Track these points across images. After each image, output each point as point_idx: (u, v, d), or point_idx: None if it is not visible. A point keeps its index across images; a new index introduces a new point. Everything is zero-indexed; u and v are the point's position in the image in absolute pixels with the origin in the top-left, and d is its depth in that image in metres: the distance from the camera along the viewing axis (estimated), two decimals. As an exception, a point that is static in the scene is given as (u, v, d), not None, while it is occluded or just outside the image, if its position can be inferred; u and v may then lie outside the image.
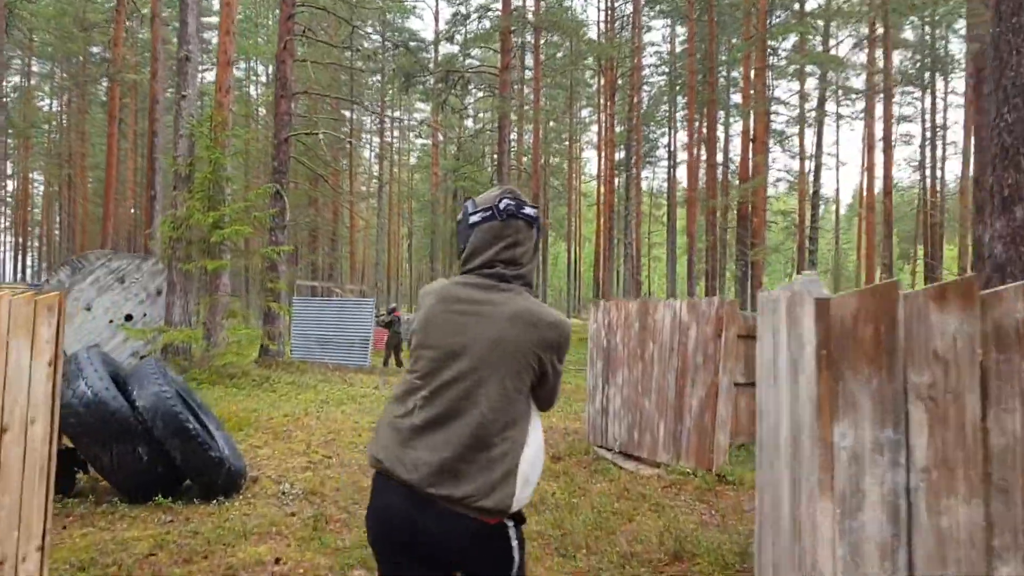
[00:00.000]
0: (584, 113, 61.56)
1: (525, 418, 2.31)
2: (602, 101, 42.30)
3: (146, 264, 16.05)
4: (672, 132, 53.95)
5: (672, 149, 54.38)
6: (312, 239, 40.87)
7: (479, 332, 2.29)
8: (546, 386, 2.40)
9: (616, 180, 36.76)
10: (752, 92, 24.46)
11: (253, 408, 11.16)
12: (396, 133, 63.80)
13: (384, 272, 69.36)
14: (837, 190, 50.40)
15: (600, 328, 9.45)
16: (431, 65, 33.24)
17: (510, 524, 2.28)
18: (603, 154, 42.00)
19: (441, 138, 53.13)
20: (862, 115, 40.65)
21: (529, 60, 34.33)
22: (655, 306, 8.51)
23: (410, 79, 32.29)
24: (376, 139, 52.14)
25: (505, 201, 2.38)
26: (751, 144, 26.58)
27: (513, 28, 24.66)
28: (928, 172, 38.85)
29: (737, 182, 34.37)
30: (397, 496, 2.28)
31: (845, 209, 77.61)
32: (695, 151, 29.90)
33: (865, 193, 31.35)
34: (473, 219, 2.40)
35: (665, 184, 61.90)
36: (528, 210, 2.42)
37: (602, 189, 41.46)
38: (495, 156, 40.92)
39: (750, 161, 26.29)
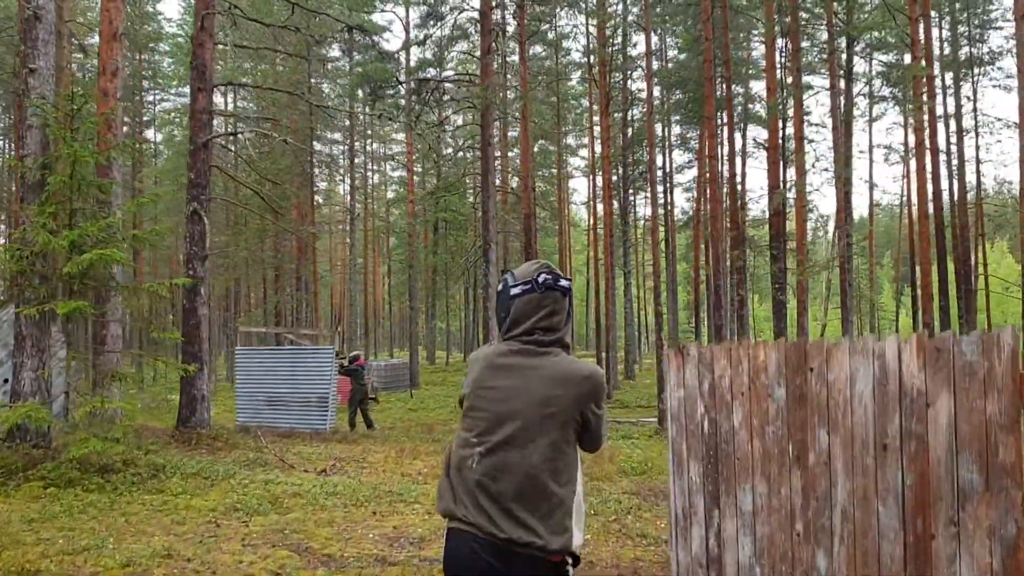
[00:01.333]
0: (570, 140, 57.70)
1: (574, 466, 2.68)
2: (595, 116, 38.23)
3: (3, 313, 11.57)
4: (667, 151, 50.06)
5: (668, 170, 50.45)
6: (276, 278, 36.33)
7: (525, 395, 2.64)
8: (590, 432, 2.74)
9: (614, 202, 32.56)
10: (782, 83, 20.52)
11: (71, 550, 6.58)
12: (369, 163, 59.65)
13: (361, 313, 64.82)
14: (871, 202, 45.59)
15: (695, 398, 5.05)
16: (401, 75, 28.94)
17: (569, 561, 2.63)
18: (597, 174, 37.85)
19: (418, 168, 48.94)
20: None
21: (514, 58, 30.19)
22: (829, 351, 4.07)
23: (378, 92, 28.06)
24: (344, 162, 47.77)
25: (543, 276, 2.74)
26: (777, 148, 22.46)
27: (495, 3, 20.47)
28: (952, 175, 34.68)
29: (741, 200, 30.27)
30: (473, 545, 2.57)
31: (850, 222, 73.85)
32: (708, 164, 25.63)
33: (915, 199, 27.03)
34: (514, 291, 2.75)
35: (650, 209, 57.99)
36: (563, 282, 2.79)
37: (599, 211, 37.14)
38: (477, 184, 36.78)
39: (780, 164, 22.30)
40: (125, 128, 36.10)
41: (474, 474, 2.60)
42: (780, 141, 22.48)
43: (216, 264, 38.93)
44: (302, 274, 34.99)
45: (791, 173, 29.38)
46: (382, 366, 35.79)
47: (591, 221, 70.65)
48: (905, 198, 44.43)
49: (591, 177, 39.32)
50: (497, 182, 24.71)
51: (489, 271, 15.87)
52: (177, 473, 10.02)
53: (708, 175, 24.08)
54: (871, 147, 53.90)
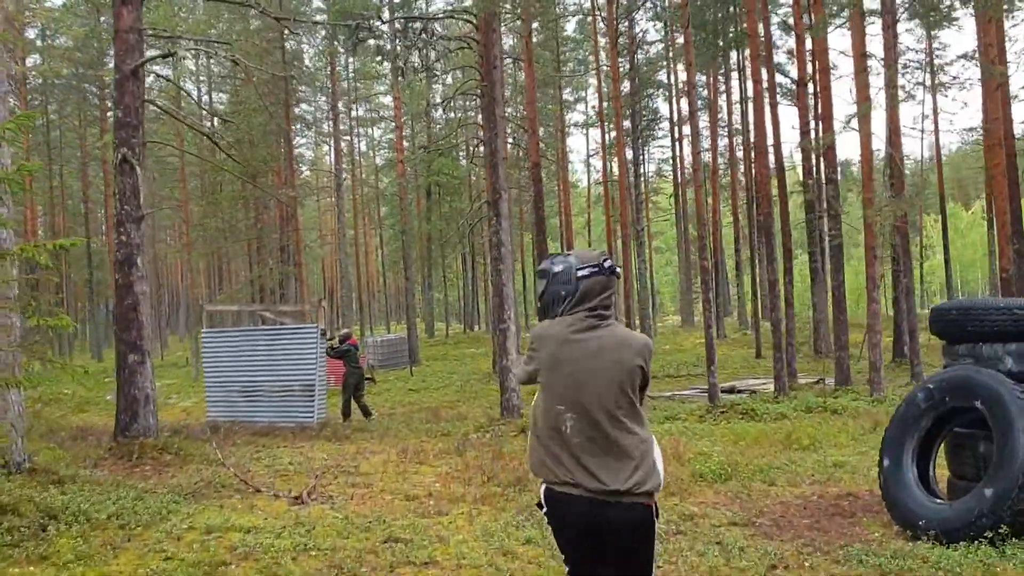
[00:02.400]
0: (567, 95, 54.18)
1: (645, 417, 3.24)
2: (602, 52, 34.76)
3: None
4: (675, 99, 46.67)
5: (676, 119, 47.09)
6: (258, 251, 33.03)
7: (599, 361, 3.14)
8: (647, 385, 3.27)
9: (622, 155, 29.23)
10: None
11: None
12: (356, 128, 56.13)
13: (354, 287, 61.57)
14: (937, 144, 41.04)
15: None
16: (384, 13, 25.48)
17: (655, 504, 3.14)
18: (605, 127, 34.58)
19: (407, 131, 45.52)
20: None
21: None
22: None
23: (358, 35, 24.62)
24: (328, 127, 44.30)
25: (608, 262, 3.27)
26: (827, 72, 19.24)
27: None
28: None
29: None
30: (577, 503, 3.10)
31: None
32: (753, 101, 22.24)
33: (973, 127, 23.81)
34: (580, 273, 3.22)
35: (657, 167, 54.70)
36: (618, 269, 3.34)
37: (606, 167, 33.90)
38: (471, 144, 33.46)
39: (806, 100, 19.05)
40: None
41: (572, 437, 3.11)
42: (818, 72, 19.22)
43: (196, 238, 35.72)
44: (287, 244, 31.71)
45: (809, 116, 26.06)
46: (378, 342, 32.70)
47: (588, 180, 67.35)
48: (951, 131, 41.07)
49: (600, 127, 35.94)
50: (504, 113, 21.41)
51: (500, 226, 12.75)
52: (79, 521, 6.86)
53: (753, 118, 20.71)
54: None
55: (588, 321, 3.19)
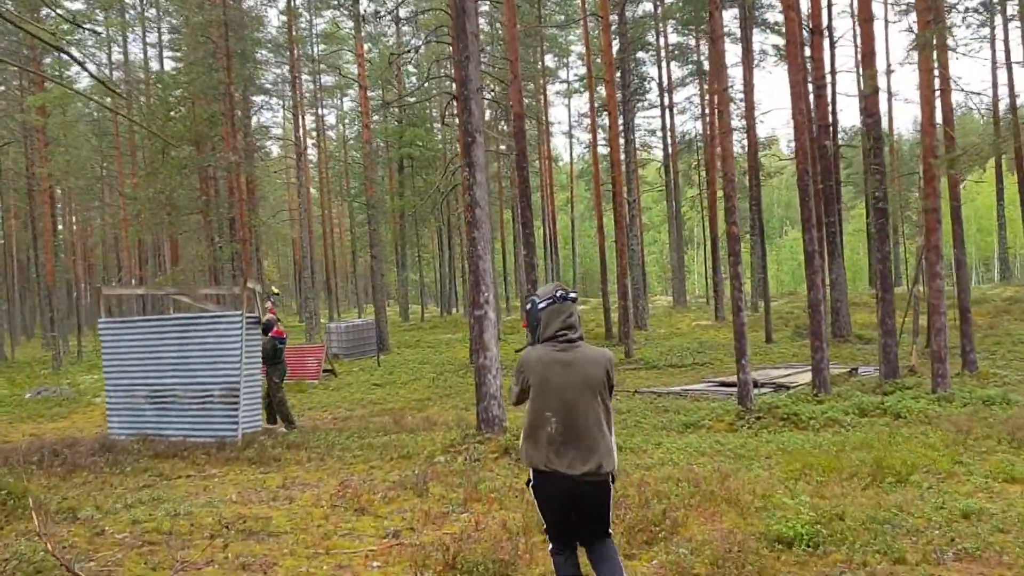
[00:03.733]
0: (548, 61, 50.60)
1: (611, 417, 4.34)
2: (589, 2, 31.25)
3: None
4: (664, 63, 43.25)
5: (666, 85, 43.65)
6: (207, 224, 29.26)
7: (575, 377, 4.20)
8: (613, 387, 4.42)
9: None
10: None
11: None
12: (321, 98, 52.34)
13: (321, 269, 57.88)
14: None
15: None
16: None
17: (612, 478, 4.31)
18: (596, 82, 31.26)
19: (375, 85, 41.85)
20: None
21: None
22: None
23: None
24: (287, 89, 40.56)
25: (560, 291, 4.33)
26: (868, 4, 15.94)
27: None
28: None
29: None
30: (561, 482, 4.16)
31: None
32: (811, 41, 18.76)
33: None
34: (541, 306, 4.31)
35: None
36: (572, 294, 4.37)
37: (604, 130, 30.52)
38: (443, 115, 29.95)
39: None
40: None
41: (556, 435, 4.16)
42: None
43: (135, 212, 32.00)
44: (235, 219, 28.03)
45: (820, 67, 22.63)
46: (342, 329, 29.20)
47: (571, 153, 63.88)
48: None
49: (589, 84, 32.45)
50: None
51: (475, 180, 9.49)
52: None
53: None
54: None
55: (560, 346, 4.25)
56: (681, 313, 39.05)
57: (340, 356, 28.22)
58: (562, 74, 54.95)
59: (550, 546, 4.50)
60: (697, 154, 48.14)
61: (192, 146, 26.89)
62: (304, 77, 50.76)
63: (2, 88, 36.19)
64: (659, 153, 48.87)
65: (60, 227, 41.04)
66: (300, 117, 35.24)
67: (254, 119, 41.12)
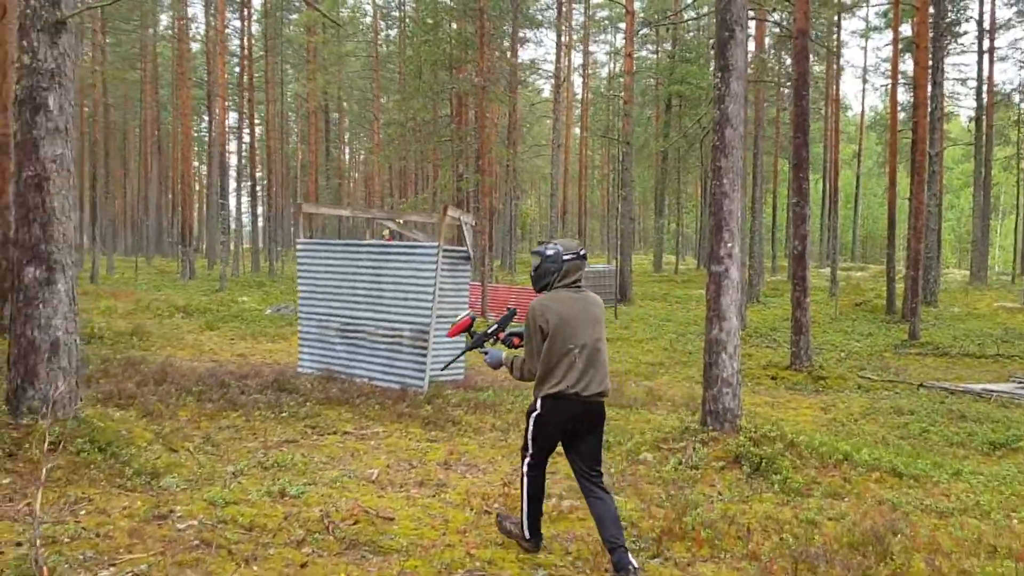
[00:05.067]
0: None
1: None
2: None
3: None
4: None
5: (987, 25, 37.13)
6: (454, 152, 28.08)
7: (586, 315, 4.75)
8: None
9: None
10: None
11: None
12: (592, 30, 50.10)
13: (575, 212, 56.21)
14: None
15: None
16: None
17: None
18: (899, 18, 26.72)
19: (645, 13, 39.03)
20: None
21: None
22: None
23: None
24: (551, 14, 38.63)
25: (583, 250, 4.93)
26: None
27: None
28: None
29: None
30: (575, 404, 4.73)
31: None
32: None
33: None
34: (566, 257, 4.79)
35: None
36: (584, 253, 4.97)
37: (905, 76, 26.08)
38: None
39: None
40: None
41: (580, 363, 4.68)
42: None
43: (387, 137, 31.69)
44: (488, 148, 26.57)
45: None
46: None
47: (862, 102, 57.08)
48: None
49: (895, 15, 27.80)
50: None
51: (728, 88, 6.87)
52: None
53: None
54: None
55: (572, 290, 4.82)
56: (980, 291, 33.35)
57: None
58: (860, 13, 48.75)
59: (526, 466, 4.98)
60: (1018, 109, 41.08)
61: (446, 70, 25.66)
62: (575, 6, 48.70)
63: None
64: (965, 107, 42.14)
65: (331, 151, 42.05)
66: (564, 48, 33.24)
67: (521, 52, 39.83)
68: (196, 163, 65.28)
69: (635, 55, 35.93)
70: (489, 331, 5.18)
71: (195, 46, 50.41)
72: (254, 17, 47.43)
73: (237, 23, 44.19)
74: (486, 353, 5.09)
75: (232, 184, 46.60)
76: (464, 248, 12.00)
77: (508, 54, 32.81)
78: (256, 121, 54.47)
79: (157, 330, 17.66)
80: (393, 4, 45.54)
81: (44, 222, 6.28)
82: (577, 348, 4.67)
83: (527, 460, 4.95)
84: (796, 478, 6.99)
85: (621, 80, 47.93)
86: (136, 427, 7.12)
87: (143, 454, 6.38)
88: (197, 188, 63.96)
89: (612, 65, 60.50)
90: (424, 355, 10.68)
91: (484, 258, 21.78)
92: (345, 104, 43.40)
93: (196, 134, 58.71)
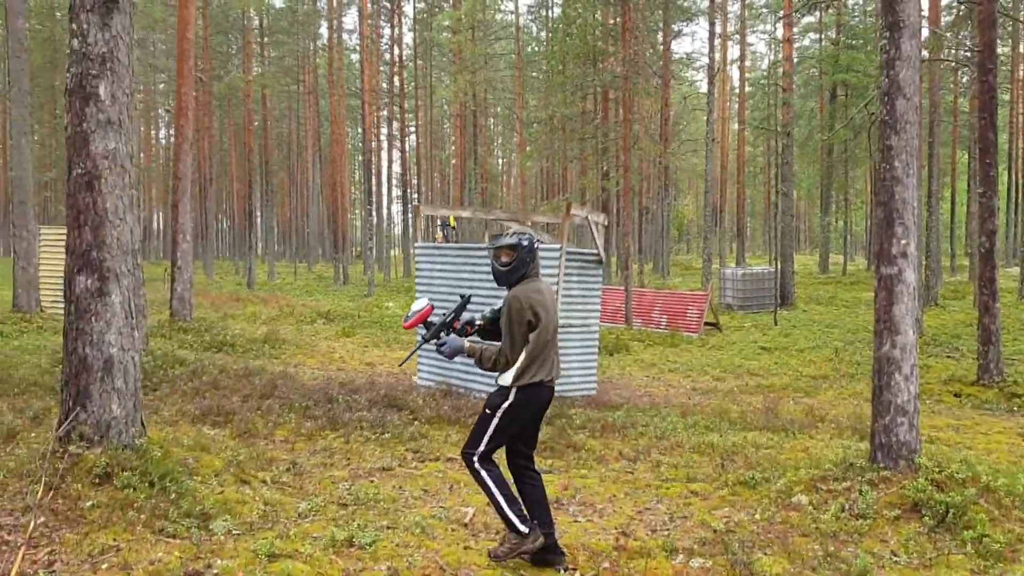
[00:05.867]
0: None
1: None
2: None
3: None
4: None
5: None
6: (603, 152, 26.88)
7: (553, 303, 4.80)
8: None
9: None
10: None
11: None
12: (747, 18, 47.73)
13: (732, 210, 53.58)
14: None
15: None
16: None
17: None
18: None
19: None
20: None
21: None
22: None
23: None
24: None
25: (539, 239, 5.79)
26: None
27: None
28: None
29: None
30: (546, 390, 4.73)
31: None
32: None
33: None
34: (537, 246, 4.87)
35: None
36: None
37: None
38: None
39: None
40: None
41: (551, 350, 4.71)
42: None
43: (530, 137, 30.75)
44: (630, 142, 25.20)
45: None
46: (737, 275, 25.38)
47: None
48: None
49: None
50: None
51: (899, 49, 5.34)
52: None
53: None
54: None
55: (536, 279, 4.82)
56: None
57: (732, 307, 24.55)
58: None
59: (481, 463, 4.74)
60: None
61: (590, 63, 24.53)
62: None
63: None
64: None
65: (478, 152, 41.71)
66: (720, 38, 31.39)
67: (675, 45, 38.09)
68: (356, 171, 66.94)
69: (797, 44, 33.60)
70: (446, 320, 4.93)
71: (354, 57, 51.52)
72: (406, 25, 47.97)
73: (388, 30, 44.69)
74: (443, 344, 4.83)
75: (386, 191, 47.18)
76: (594, 250, 10.84)
77: (660, 47, 31.33)
78: (411, 128, 55.19)
79: (293, 337, 17.42)
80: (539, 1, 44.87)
81: (96, 225, 5.60)
82: (553, 337, 4.75)
83: (479, 454, 4.74)
84: (995, 535, 5.42)
85: (780, 69, 45.35)
86: (207, 454, 6.37)
87: (201, 489, 5.60)
88: (355, 195, 65.52)
89: (771, 55, 57.61)
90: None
91: (627, 261, 20.43)
92: (490, 108, 42.97)
93: (352, 143, 60.13)
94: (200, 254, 44.10)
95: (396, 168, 63.46)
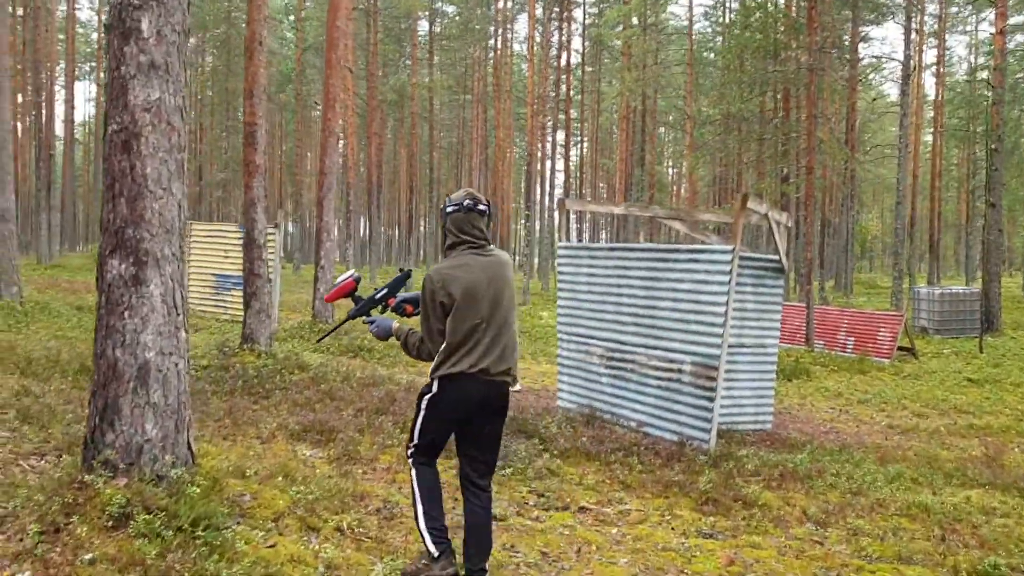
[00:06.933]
0: None
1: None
2: None
3: None
4: None
5: None
6: (783, 155, 24.50)
7: (499, 278, 4.14)
8: None
9: None
10: None
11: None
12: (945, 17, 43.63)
13: (924, 225, 48.93)
14: None
15: None
16: None
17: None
18: None
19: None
20: None
21: None
22: None
23: None
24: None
25: (470, 199, 4.16)
26: None
27: None
28: None
29: None
30: (479, 385, 4.04)
31: None
32: None
33: None
34: (449, 210, 4.16)
35: None
36: (482, 206, 4.19)
37: None
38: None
39: None
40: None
41: (486, 339, 4.04)
42: None
43: (700, 139, 28.53)
44: (815, 142, 22.74)
45: None
46: (935, 295, 22.41)
47: None
48: None
49: None
50: None
51: None
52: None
53: None
54: None
55: (474, 250, 4.11)
56: None
57: (927, 331, 21.67)
58: None
59: (412, 459, 4.26)
60: None
61: (770, 58, 22.37)
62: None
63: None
64: None
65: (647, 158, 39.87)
66: (916, 36, 28.30)
67: (862, 49, 35.13)
68: (520, 180, 66.42)
69: (1010, 38, 29.93)
70: (377, 296, 4.44)
71: (524, 66, 50.89)
72: (575, 31, 46.80)
73: (557, 36, 43.61)
74: (372, 322, 4.38)
75: (548, 200, 46.14)
76: (774, 256, 9.01)
77: (847, 44, 28.62)
78: (576, 136, 53.95)
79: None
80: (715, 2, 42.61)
81: (132, 196, 4.43)
82: (484, 323, 4.06)
83: (411, 451, 4.28)
84: None
85: (984, 77, 41.04)
86: (270, 488, 5.08)
87: (246, 540, 4.29)
88: (519, 204, 64.97)
89: (972, 58, 52.64)
90: (711, 399, 7.85)
91: (809, 274, 18.16)
92: (660, 116, 41.02)
93: (519, 153, 59.60)
94: (367, 259, 44.40)
95: (560, 177, 62.56)
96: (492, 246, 4.23)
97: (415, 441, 4.24)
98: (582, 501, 6.16)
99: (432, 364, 4.13)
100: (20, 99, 41.75)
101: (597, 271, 9.21)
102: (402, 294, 4.48)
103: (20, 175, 49.71)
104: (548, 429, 7.93)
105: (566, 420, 8.52)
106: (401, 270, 4.56)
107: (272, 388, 9.30)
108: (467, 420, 4.18)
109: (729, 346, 8.05)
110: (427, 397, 4.17)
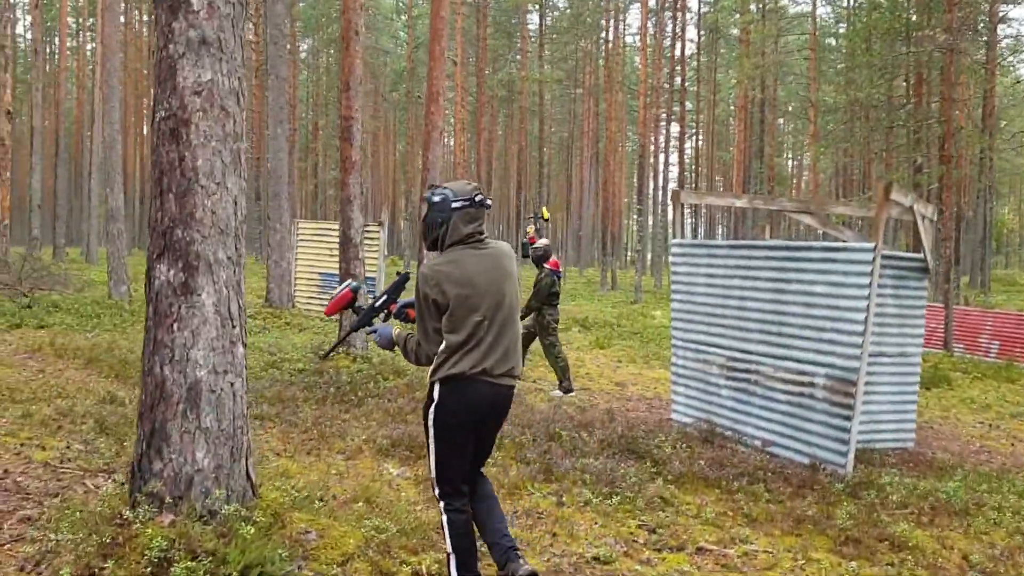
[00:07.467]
0: None
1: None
2: None
3: None
4: None
5: None
6: (909, 140, 22.70)
7: (499, 271, 3.83)
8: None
9: None
10: None
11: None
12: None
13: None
14: None
15: None
16: None
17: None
18: None
19: None
20: None
21: None
22: None
23: None
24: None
25: (479, 195, 3.86)
26: None
27: None
28: None
29: None
30: (484, 388, 3.73)
31: None
32: None
33: None
34: (455, 205, 3.80)
35: None
36: (489, 201, 3.89)
37: None
38: None
39: None
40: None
41: (487, 337, 3.73)
42: None
43: (826, 127, 26.78)
44: (954, 129, 20.94)
45: None
46: None
47: None
48: None
49: None
50: None
51: None
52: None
53: None
54: None
55: (473, 244, 3.79)
56: None
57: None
58: None
59: (443, 502, 3.84)
60: None
61: (902, 40, 20.73)
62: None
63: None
64: None
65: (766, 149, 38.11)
66: None
67: (1001, 28, 32.51)
68: (633, 173, 65.16)
69: None
70: (377, 304, 4.11)
71: (636, 59, 49.69)
72: (690, 20, 45.34)
73: (671, 26, 42.29)
74: (375, 331, 4.03)
75: (662, 195, 44.89)
76: (919, 256, 7.94)
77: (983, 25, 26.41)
78: (691, 128, 52.41)
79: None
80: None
81: (181, 191, 3.89)
82: (485, 320, 3.72)
83: (438, 493, 3.84)
84: None
85: None
86: (341, 521, 4.48)
87: None
88: (631, 198, 63.71)
89: None
90: (848, 417, 6.87)
91: (948, 272, 16.61)
92: (780, 106, 39.15)
93: (631, 146, 58.36)
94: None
95: (674, 171, 60.96)
96: (490, 238, 3.97)
97: (437, 478, 3.86)
98: (700, 540, 5.34)
99: (430, 368, 3.83)
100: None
101: (716, 271, 8.31)
102: (404, 298, 4.22)
103: (139, 167, 51.60)
104: (662, 449, 7.11)
105: (682, 437, 7.67)
106: (399, 273, 4.27)
107: (364, 396, 8.79)
108: (482, 423, 3.88)
109: (868, 355, 7.05)
110: (431, 410, 3.84)
